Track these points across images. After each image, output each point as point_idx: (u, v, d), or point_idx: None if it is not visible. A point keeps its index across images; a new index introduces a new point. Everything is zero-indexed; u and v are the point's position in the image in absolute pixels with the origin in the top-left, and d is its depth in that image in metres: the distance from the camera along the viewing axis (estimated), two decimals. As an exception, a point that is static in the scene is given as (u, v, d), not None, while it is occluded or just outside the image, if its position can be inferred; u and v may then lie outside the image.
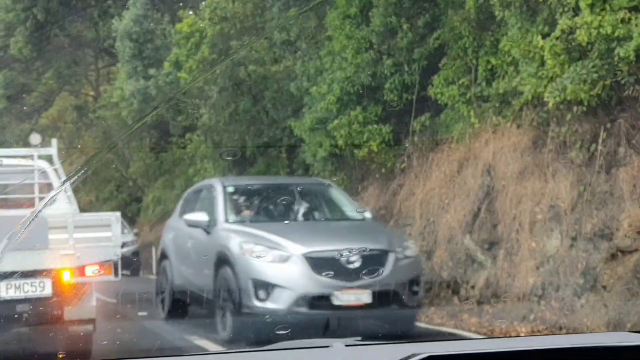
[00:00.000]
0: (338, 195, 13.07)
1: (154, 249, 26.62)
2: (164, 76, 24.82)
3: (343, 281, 10.30)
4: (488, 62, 14.10)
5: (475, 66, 14.52)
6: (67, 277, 9.66)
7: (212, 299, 11.36)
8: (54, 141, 11.66)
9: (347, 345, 3.09)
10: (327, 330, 10.35)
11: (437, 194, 14.79)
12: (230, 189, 12.43)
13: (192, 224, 12.14)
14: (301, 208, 12.23)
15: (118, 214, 10.29)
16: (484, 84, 14.25)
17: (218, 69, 21.21)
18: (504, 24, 13.63)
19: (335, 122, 16.49)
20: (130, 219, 27.26)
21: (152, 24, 26.18)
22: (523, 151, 13.09)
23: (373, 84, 16.43)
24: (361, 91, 16.55)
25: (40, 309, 9.74)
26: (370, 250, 10.55)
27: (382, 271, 10.58)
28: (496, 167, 13.58)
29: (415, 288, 11.10)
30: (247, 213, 12.21)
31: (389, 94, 16.04)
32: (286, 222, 11.89)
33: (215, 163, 22.86)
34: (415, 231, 14.91)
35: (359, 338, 3.34)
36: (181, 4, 27.76)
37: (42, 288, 9.59)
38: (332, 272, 10.26)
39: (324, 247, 10.72)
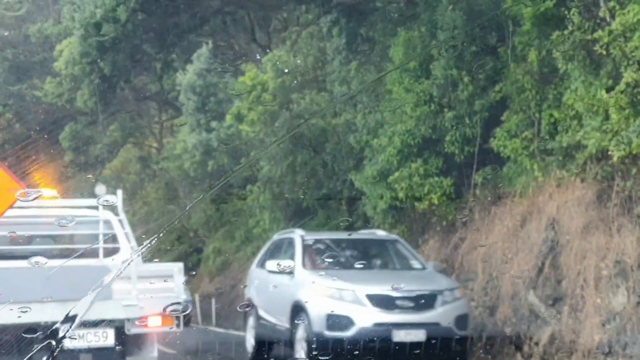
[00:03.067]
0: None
1: (213, 301, 26.73)
2: (226, 129, 25.15)
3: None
4: (551, 115, 13.97)
5: (538, 119, 14.40)
6: (129, 328, 9.72)
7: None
8: (119, 192, 11.83)
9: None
10: None
11: (500, 248, 14.62)
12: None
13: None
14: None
15: (180, 264, 10.36)
16: (547, 137, 14.11)
17: (278, 122, 21.43)
18: (567, 77, 13.53)
19: (396, 174, 16.47)
20: (190, 270, 27.44)
21: (214, 78, 26.61)
22: (587, 205, 12.90)
23: (434, 137, 16.41)
24: (422, 143, 16.52)
25: (103, 359, 9.80)
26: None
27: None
28: (560, 222, 13.39)
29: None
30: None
31: (450, 147, 15.99)
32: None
33: (274, 215, 22.96)
34: (477, 286, 14.73)
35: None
36: (244, 58, 28.17)
37: (104, 338, 9.67)
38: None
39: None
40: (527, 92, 14.47)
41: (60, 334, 3.53)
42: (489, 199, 15.49)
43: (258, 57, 27.14)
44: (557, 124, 13.92)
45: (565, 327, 12.51)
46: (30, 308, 9.11)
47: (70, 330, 3.62)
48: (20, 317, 8.99)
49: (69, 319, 3.59)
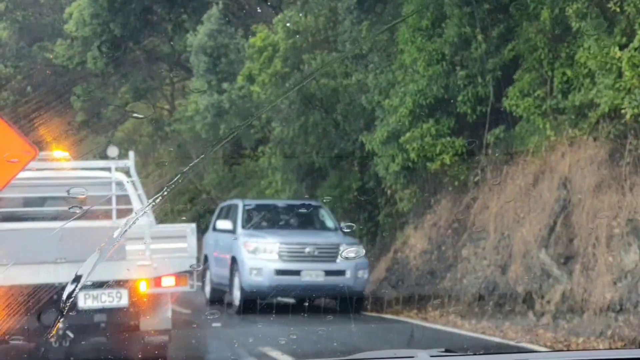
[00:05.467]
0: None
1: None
2: (237, 90, 25.07)
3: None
4: (564, 74, 13.88)
5: (550, 78, 14.31)
6: (143, 288, 9.79)
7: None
8: (131, 154, 11.85)
9: (432, 356, 3.08)
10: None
11: (511, 208, 14.62)
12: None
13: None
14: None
15: (193, 225, 10.40)
16: (559, 96, 14.03)
17: (289, 83, 21.37)
18: (580, 36, 13.42)
19: (408, 135, 16.42)
20: (203, 231, 27.54)
21: (226, 39, 26.48)
22: (600, 164, 12.86)
23: (446, 96, 16.33)
24: (434, 103, 16.46)
25: (117, 319, 9.89)
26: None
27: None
28: (572, 181, 13.37)
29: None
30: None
31: (462, 106, 15.92)
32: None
33: (286, 175, 22.98)
34: (489, 245, 14.76)
35: (443, 349, 3.32)
36: (254, 19, 28.01)
37: (119, 298, 9.75)
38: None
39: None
40: (539, 50, 14.36)
41: (71, 294, 3.56)
42: (501, 158, 15.46)
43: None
44: (569, 82, 13.84)
45: (576, 286, 12.54)
46: (41, 269, 9.20)
47: (78, 290, 3.64)
48: (33, 277, 9.08)
49: (78, 279, 3.62)
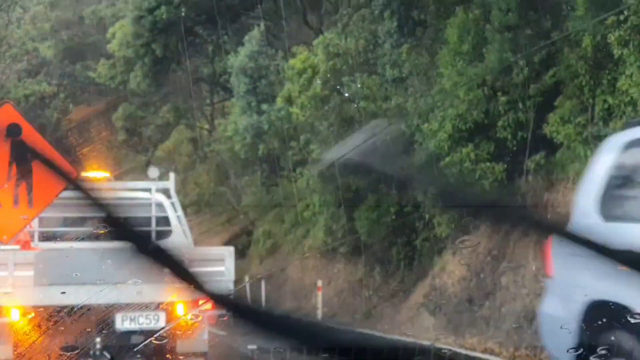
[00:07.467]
0: None
1: (263, 283, 26.87)
2: (276, 111, 25.19)
3: None
4: (605, 101, 13.75)
5: (592, 105, 14.18)
6: (180, 311, 9.82)
7: None
8: (172, 175, 11.93)
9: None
10: None
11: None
12: None
13: None
14: None
15: (231, 248, 10.43)
16: (600, 123, 13.89)
17: (328, 105, 21.40)
18: (622, 63, 13.29)
19: (447, 159, 16.35)
20: (240, 252, 27.62)
21: (266, 60, 26.64)
22: (642, 193, 12.69)
23: (486, 121, 16.24)
24: (473, 128, 16.37)
25: (154, 341, 9.91)
26: None
27: None
28: (613, 209, 13.19)
29: None
30: None
31: (502, 132, 15.82)
32: None
33: (324, 198, 22.96)
34: (529, 273, 14.60)
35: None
36: (295, 40, 28.15)
37: (156, 320, 9.79)
38: None
39: None
40: (580, 77, 14.24)
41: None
42: (542, 185, 15.31)
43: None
44: (611, 109, 13.70)
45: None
46: (81, 290, 9.27)
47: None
48: (72, 298, 9.14)
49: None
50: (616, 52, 13.07)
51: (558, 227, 3.79)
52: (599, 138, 13.81)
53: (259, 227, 29.89)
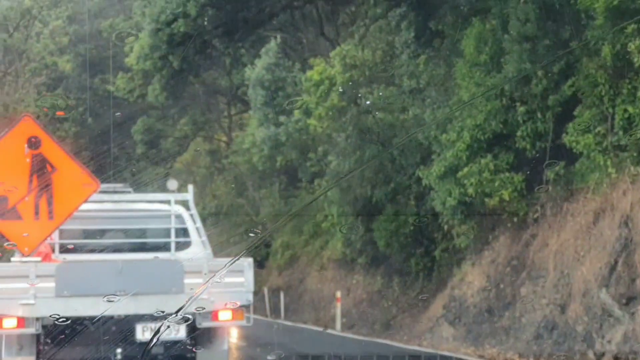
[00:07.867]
0: None
1: (282, 294, 26.86)
2: (294, 123, 25.22)
3: None
4: (625, 110, 13.69)
5: (611, 114, 14.12)
6: (201, 321, 9.81)
7: None
8: (190, 187, 11.94)
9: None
10: None
11: (571, 246, 14.39)
12: None
13: None
14: None
15: (251, 259, 10.40)
16: (621, 132, 13.83)
17: (346, 117, 21.40)
18: (642, 71, 13.24)
19: (465, 170, 16.31)
20: (259, 263, 27.65)
21: (283, 72, 26.69)
22: (663, 202, 12.62)
23: (504, 132, 16.20)
24: (492, 139, 16.33)
25: (174, 351, 9.92)
26: None
27: None
28: (634, 219, 13.12)
29: None
30: None
31: (521, 142, 15.78)
32: None
33: (342, 209, 22.94)
34: (548, 283, 14.53)
35: None
36: (312, 52, 28.20)
37: (176, 331, 9.78)
38: None
39: None
40: (600, 86, 14.19)
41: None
42: (561, 195, 15.25)
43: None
44: (631, 119, 13.63)
45: (639, 327, 12.27)
46: (103, 301, 9.29)
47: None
48: (92, 309, 9.16)
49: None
50: (636, 60, 13.01)
51: None
52: (619, 147, 13.76)
53: (278, 238, 29.91)
